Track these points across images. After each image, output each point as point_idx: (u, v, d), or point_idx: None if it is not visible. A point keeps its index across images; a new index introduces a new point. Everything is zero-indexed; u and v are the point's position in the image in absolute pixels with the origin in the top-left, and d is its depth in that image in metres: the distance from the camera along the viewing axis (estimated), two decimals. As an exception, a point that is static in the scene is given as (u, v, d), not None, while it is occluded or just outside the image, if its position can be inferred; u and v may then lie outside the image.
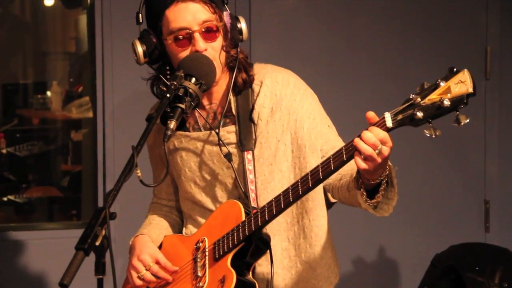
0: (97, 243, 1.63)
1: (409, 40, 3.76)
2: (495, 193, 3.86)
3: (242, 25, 2.10)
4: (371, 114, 1.83)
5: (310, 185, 1.92)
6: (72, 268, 1.56)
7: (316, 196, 2.13)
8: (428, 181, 3.71)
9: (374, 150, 1.81)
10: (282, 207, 1.95)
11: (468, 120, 1.69)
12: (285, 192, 1.95)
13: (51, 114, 4.13)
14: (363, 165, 1.83)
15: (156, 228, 2.29)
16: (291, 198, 1.93)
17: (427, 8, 3.78)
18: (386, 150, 1.82)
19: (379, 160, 1.82)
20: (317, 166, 1.91)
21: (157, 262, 2.13)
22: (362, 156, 1.81)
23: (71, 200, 4.06)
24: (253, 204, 2.07)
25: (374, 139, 1.80)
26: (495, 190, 3.86)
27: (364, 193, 1.94)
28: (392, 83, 3.73)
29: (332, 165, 1.87)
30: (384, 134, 1.81)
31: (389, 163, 1.94)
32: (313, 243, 2.14)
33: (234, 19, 2.10)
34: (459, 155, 3.84)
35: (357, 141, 1.83)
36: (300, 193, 1.93)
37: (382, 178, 1.91)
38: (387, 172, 1.91)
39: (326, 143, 2.14)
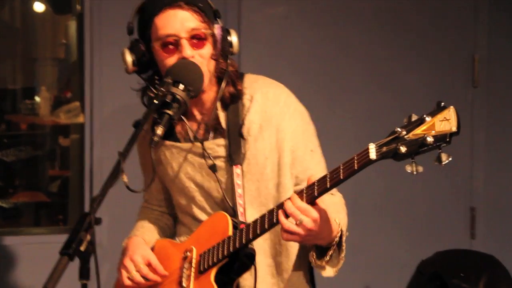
0: (82, 248, 1.63)
1: (399, 48, 3.78)
2: (481, 200, 3.88)
3: (233, 38, 2.08)
4: (310, 178, 1.82)
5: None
6: (56, 273, 1.56)
7: None
8: (415, 188, 3.72)
9: (295, 222, 1.79)
10: (266, 227, 1.91)
11: (450, 159, 1.63)
12: (270, 213, 1.91)
13: (39, 119, 4.12)
14: (284, 235, 1.83)
15: (149, 231, 2.28)
16: (274, 220, 1.89)
17: (416, 16, 3.80)
18: (308, 222, 1.79)
19: (302, 232, 1.80)
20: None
21: (149, 264, 2.12)
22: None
23: (58, 205, 4.05)
24: (241, 218, 2.05)
25: (293, 209, 1.79)
26: (481, 197, 3.88)
27: (314, 253, 1.95)
28: (381, 91, 3.76)
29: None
30: (301, 205, 1.79)
31: (342, 228, 1.93)
32: (293, 262, 2.12)
33: (225, 32, 2.08)
34: (446, 163, 3.85)
35: (280, 213, 1.83)
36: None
37: (333, 243, 1.91)
38: (338, 235, 1.91)
39: (304, 171, 2.10)
